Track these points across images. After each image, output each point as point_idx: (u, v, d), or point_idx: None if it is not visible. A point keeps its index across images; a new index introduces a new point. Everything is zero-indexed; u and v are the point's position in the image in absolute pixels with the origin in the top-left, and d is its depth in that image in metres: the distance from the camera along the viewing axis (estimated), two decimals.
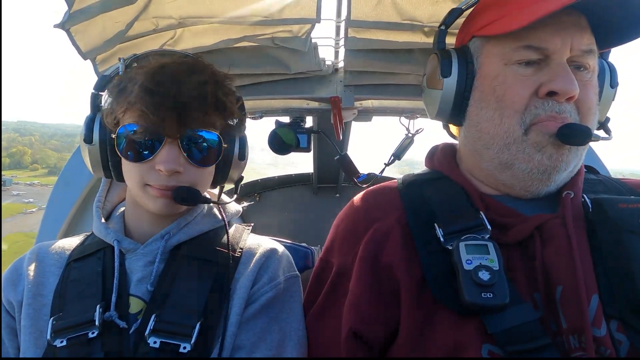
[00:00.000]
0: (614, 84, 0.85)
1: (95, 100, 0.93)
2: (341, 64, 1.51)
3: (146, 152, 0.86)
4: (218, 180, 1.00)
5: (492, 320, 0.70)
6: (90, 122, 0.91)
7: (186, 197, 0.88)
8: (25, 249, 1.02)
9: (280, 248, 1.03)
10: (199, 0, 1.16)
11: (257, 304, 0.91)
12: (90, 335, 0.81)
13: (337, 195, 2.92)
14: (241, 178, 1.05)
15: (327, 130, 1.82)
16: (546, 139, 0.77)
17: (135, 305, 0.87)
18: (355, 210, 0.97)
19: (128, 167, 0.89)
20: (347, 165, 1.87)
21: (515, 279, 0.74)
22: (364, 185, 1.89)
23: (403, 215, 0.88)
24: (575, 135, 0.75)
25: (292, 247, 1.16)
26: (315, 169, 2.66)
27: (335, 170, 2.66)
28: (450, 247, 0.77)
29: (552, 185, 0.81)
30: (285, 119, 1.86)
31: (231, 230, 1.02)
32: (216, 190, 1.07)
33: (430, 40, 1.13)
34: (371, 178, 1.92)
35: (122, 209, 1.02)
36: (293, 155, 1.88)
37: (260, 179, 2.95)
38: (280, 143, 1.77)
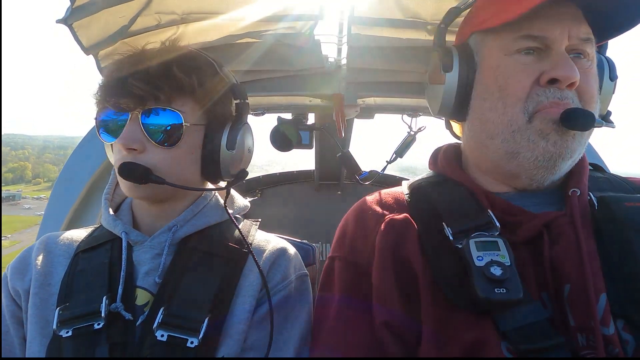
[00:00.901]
0: (613, 77, 0.85)
1: None
2: (344, 61, 1.50)
3: (114, 129, 0.88)
4: (209, 172, 0.97)
5: (504, 318, 0.70)
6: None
7: (130, 172, 0.86)
8: None
9: (289, 246, 1.03)
10: None
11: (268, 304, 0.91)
12: (96, 327, 0.81)
13: (339, 192, 2.92)
14: (243, 172, 1.01)
15: (329, 128, 1.82)
16: (550, 126, 0.77)
17: (142, 298, 0.87)
18: (364, 207, 0.96)
19: (109, 154, 0.94)
20: (349, 163, 1.87)
21: (524, 278, 0.74)
22: (366, 183, 1.89)
23: (411, 218, 0.87)
24: (578, 119, 0.75)
25: (292, 244, 1.16)
26: (317, 166, 2.66)
27: (337, 168, 2.66)
28: (460, 246, 0.77)
29: (557, 174, 0.82)
30: (288, 116, 1.85)
31: (239, 225, 1.02)
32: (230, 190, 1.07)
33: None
34: (373, 175, 1.92)
35: (130, 201, 1.03)
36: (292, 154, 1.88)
37: (262, 175, 2.95)
38: (282, 139, 1.77)
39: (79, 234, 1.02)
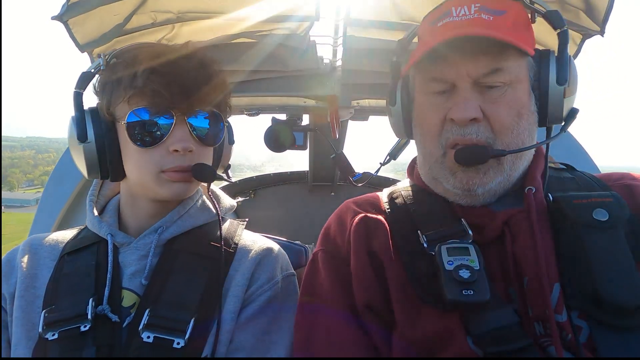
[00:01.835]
0: (561, 81, 0.83)
1: (79, 99, 0.91)
2: (339, 63, 1.51)
3: (159, 134, 0.86)
4: (213, 164, 1.00)
5: (474, 322, 0.74)
6: (81, 121, 0.89)
7: (205, 173, 0.90)
8: None
9: (276, 246, 1.02)
10: None
11: (255, 304, 0.91)
12: (82, 329, 0.81)
13: (332, 193, 2.92)
14: (229, 166, 1.08)
15: (324, 129, 1.82)
16: (454, 164, 0.83)
17: (128, 299, 0.87)
18: (344, 208, 1.01)
19: (140, 156, 0.88)
20: (343, 164, 1.87)
21: (493, 276, 0.78)
22: (360, 184, 1.89)
23: (386, 221, 0.92)
24: (467, 157, 0.81)
25: (285, 245, 1.16)
26: (310, 167, 2.66)
27: (330, 169, 2.66)
28: (433, 253, 0.81)
29: (482, 196, 0.86)
30: (282, 117, 1.85)
31: (226, 225, 1.02)
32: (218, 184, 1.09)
33: None
34: (366, 177, 1.92)
35: (116, 202, 1.02)
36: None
37: (256, 176, 2.95)
38: (276, 140, 1.77)
39: (64, 236, 1.01)
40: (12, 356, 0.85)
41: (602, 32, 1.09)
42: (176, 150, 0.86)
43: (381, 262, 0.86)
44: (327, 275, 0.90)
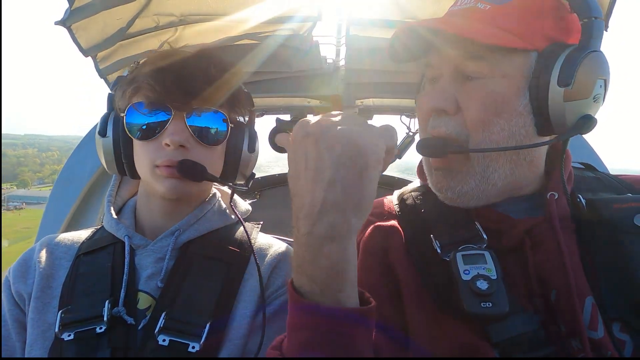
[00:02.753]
0: (562, 82, 0.72)
1: (111, 100, 0.96)
2: (342, 62, 1.50)
3: (153, 127, 0.88)
4: (228, 173, 0.99)
5: (495, 329, 0.70)
6: (105, 117, 0.94)
7: (191, 170, 0.88)
8: None
9: (291, 250, 1.02)
10: None
11: (271, 307, 0.91)
12: (98, 330, 0.81)
13: None
14: (253, 175, 1.04)
15: None
16: (427, 162, 0.82)
17: (143, 302, 0.87)
18: None
19: (138, 150, 0.91)
20: None
21: (514, 285, 0.73)
22: None
23: (399, 226, 0.88)
24: (424, 147, 0.79)
25: (292, 245, 1.16)
26: None
27: None
28: (447, 259, 0.77)
29: (466, 201, 0.80)
30: (286, 117, 1.85)
31: (241, 228, 1.02)
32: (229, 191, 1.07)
33: None
34: None
35: (133, 204, 1.02)
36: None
37: (261, 177, 2.94)
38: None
39: (79, 236, 1.01)
40: (28, 356, 0.85)
41: (605, 27, 1.06)
42: (167, 145, 0.87)
43: (397, 275, 0.81)
44: None
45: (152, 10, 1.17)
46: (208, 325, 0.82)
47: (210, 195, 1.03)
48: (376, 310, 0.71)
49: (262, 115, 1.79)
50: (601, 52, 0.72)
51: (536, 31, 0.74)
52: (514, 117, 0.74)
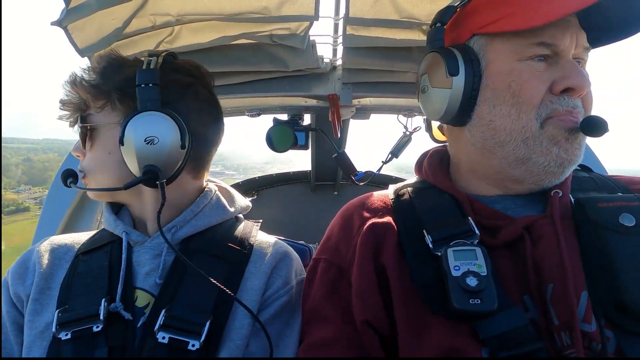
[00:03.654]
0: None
1: None
2: (339, 62, 1.50)
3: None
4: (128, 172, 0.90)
5: (483, 326, 0.71)
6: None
7: (65, 179, 0.95)
8: None
9: (291, 250, 1.02)
10: None
11: (271, 308, 0.90)
12: (95, 329, 0.81)
13: (335, 193, 2.92)
14: (150, 168, 0.84)
15: (325, 128, 1.82)
16: (561, 133, 0.78)
17: (142, 299, 0.87)
18: (350, 210, 0.97)
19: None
20: (345, 163, 1.87)
21: (504, 282, 0.75)
22: (362, 183, 1.89)
23: (394, 222, 0.88)
24: (597, 127, 0.76)
25: (290, 244, 1.16)
26: (313, 167, 2.66)
27: (333, 168, 2.66)
28: (439, 254, 0.78)
29: (561, 178, 0.82)
30: (283, 117, 1.85)
31: (241, 226, 1.02)
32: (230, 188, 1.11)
33: None
34: (369, 176, 1.92)
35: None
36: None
37: (259, 176, 2.95)
38: (278, 141, 1.77)
39: (79, 237, 1.01)
40: (27, 356, 0.85)
41: None
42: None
43: (387, 275, 0.82)
44: (319, 288, 0.89)
45: (148, 10, 1.16)
46: (208, 323, 0.82)
47: (206, 189, 1.02)
48: (368, 313, 0.76)
49: (259, 115, 1.79)
50: None
51: None
52: None
